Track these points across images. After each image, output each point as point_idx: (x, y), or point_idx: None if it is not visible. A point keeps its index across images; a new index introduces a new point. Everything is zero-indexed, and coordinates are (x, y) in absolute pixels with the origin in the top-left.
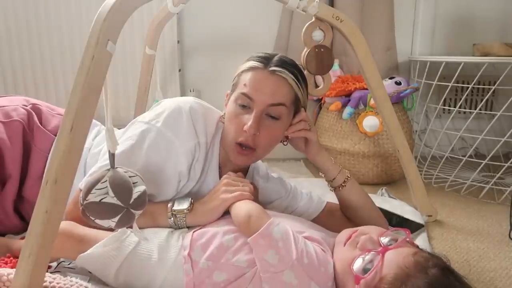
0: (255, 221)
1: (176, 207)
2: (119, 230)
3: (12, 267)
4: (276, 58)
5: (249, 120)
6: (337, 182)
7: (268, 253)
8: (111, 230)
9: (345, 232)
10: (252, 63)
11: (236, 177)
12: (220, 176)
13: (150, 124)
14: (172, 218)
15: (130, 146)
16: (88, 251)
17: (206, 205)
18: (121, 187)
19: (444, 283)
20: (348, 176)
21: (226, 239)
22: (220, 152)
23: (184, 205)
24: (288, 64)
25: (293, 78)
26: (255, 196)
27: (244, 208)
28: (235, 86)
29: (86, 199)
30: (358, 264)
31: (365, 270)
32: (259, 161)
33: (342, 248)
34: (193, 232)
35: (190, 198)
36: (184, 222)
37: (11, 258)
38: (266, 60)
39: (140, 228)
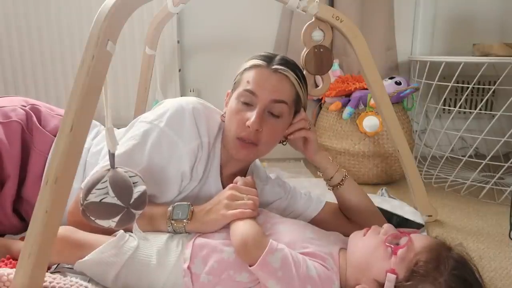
0: (252, 249)
1: (175, 216)
2: (118, 235)
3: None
4: (278, 57)
5: (251, 116)
6: (335, 181)
7: (269, 282)
8: (112, 231)
9: (359, 231)
10: (255, 61)
11: (244, 184)
12: (222, 177)
13: (152, 124)
14: (171, 226)
15: (132, 146)
16: (86, 258)
17: (206, 216)
18: (121, 187)
19: (466, 258)
20: (345, 175)
21: (227, 252)
22: (221, 152)
23: (183, 215)
24: (290, 64)
25: (295, 77)
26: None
27: (240, 231)
28: (237, 84)
29: (86, 199)
30: (389, 241)
31: (398, 245)
32: (258, 163)
33: (363, 238)
34: (193, 241)
35: (189, 205)
36: (183, 230)
37: (11, 259)
38: (268, 59)
39: None
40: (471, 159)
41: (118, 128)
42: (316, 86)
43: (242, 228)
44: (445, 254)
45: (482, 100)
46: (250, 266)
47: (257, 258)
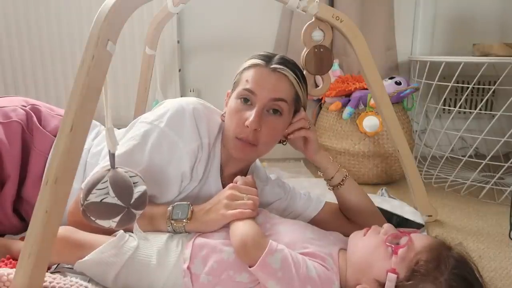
0: (251, 250)
1: (175, 216)
2: (118, 235)
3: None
4: (277, 57)
5: (250, 116)
6: (335, 181)
7: (269, 283)
8: (112, 231)
9: (359, 231)
10: (254, 61)
11: (244, 184)
12: (222, 177)
13: (153, 125)
14: (170, 226)
15: (133, 146)
16: (86, 258)
17: (205, 216)
18: (122, 187)
19: (466, 257)
20: (346, 175)
21: (226, 252)
22: (221, 152)
23: (183, 215)
24: (289, 63)
25: (294, 76)
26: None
27: (240, 232)
28: (237, 84)
29: (87, 199)
30: (390, 240)
31: (398, 245)
32: (258, 164)
33: (363, 238)
34: (193, 241)
35: (189, 205)
36: (183, 230)
37: (11, 259)
38: (267, 58)
39: None
40: (471, 159)
41: (119, 129)
42: (316, 86)
43: (242, 229)
44: (446, 254)
45: (482, 100)
46: (250, 266)
47: (257, 259)
